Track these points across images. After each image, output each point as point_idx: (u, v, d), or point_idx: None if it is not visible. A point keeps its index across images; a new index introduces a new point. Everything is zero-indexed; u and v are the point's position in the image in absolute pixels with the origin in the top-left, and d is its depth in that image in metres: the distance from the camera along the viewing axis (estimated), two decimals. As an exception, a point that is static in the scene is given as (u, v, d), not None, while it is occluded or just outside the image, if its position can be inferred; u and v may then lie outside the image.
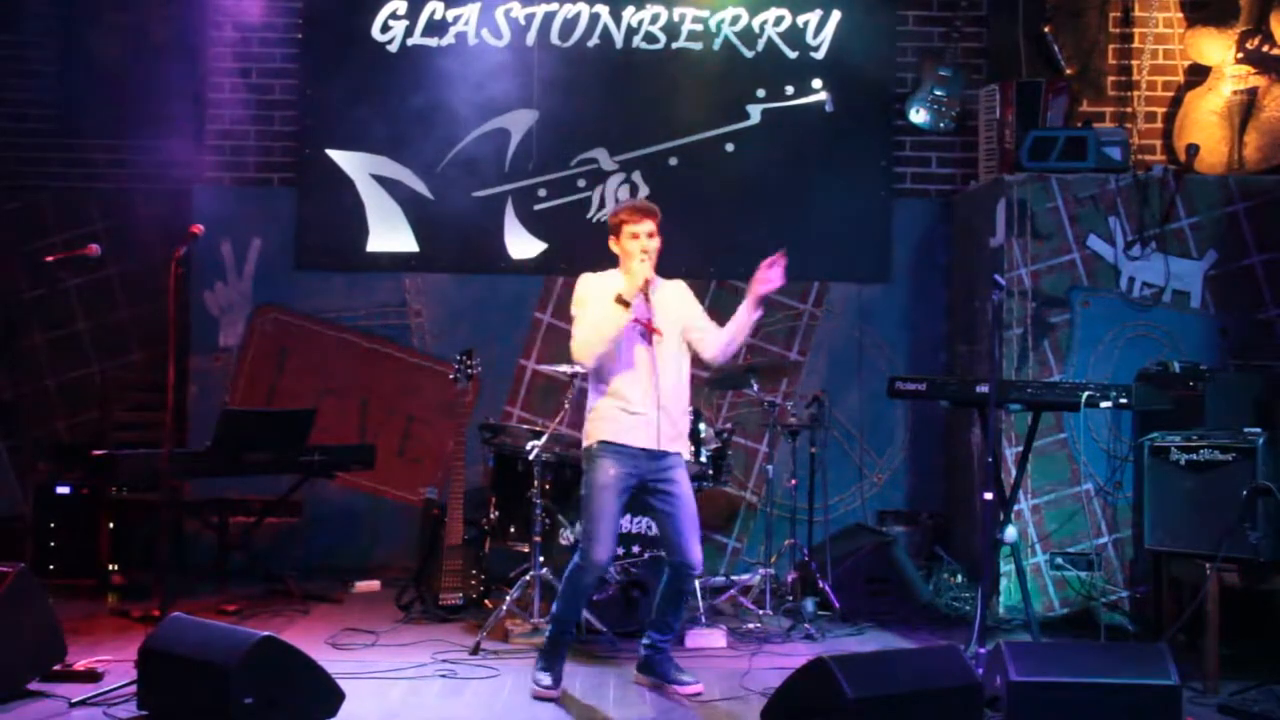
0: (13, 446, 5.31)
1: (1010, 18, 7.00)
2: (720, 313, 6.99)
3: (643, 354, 4.59)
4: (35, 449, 6.84)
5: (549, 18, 7.10)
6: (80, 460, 6.28)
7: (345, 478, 6.74)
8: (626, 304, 4.49)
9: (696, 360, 4.83)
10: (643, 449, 4.55)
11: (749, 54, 7.13)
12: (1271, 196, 6.21)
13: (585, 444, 4.65)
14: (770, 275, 4.61)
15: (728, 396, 7.06)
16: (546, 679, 4.61)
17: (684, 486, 4.61)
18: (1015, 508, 5.61)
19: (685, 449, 4.71)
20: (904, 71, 7.18)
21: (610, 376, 4.61)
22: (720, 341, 4.72)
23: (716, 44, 7.12)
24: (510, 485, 5.81)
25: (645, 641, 4.78)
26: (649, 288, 4.56)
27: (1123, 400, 4.90)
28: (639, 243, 4.61)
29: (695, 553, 4.60)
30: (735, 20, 7.11)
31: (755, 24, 7.12)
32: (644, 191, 7.07)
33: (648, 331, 4.59)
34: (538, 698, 4.55)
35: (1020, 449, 5.45)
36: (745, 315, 4.64)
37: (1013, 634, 5.68)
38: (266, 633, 4.08)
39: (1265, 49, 6.64)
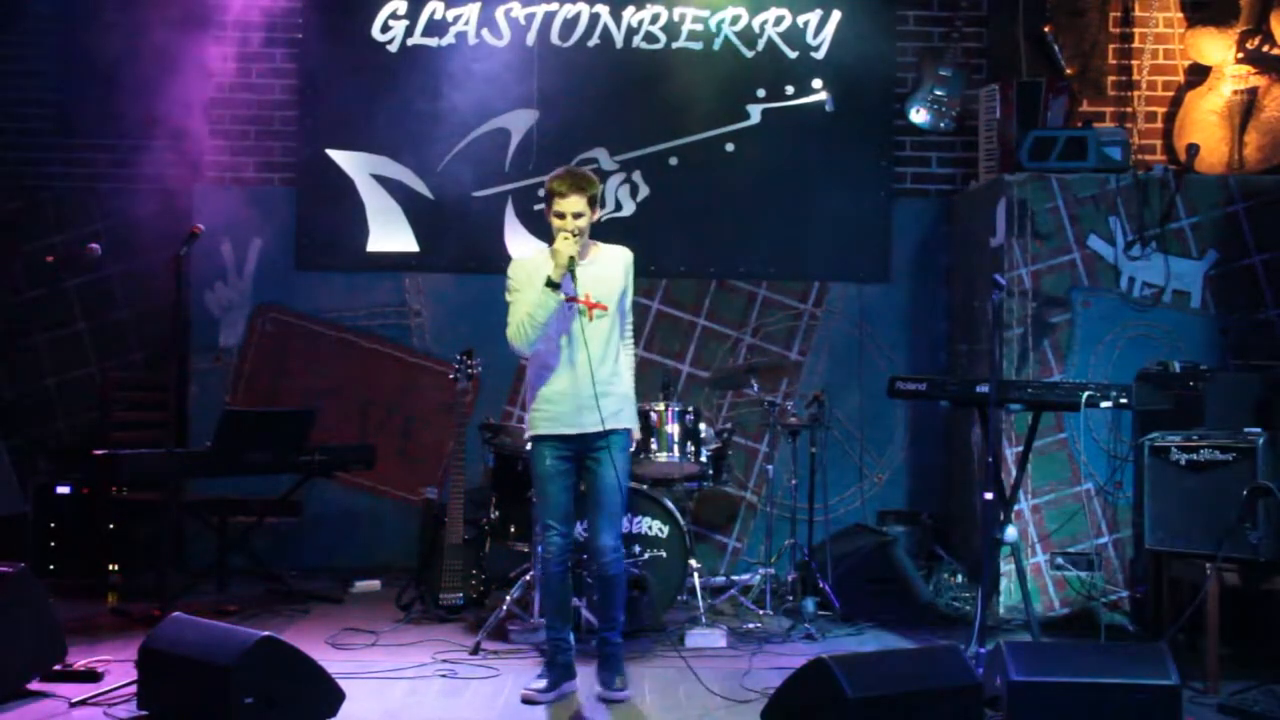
0: (13, 446, 5.29)
1: (1010, 18, 7.00)
2: (720, 313, 7.08)
3: (576, 333, 4.47)
4: (35, 449, 6.84)
5: (549, 18, 7.10)
6: (80, 460, 6.28)
7: (345, 478, 6.74)
8: (555, 286, 4.35)
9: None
10: (579, 434, 4.50)
11: (749, 54, 7.12)
12: (1271, 196, 6.21)
13: (527, 433, 4.62)
14: None
15: (728, 396, 7.06)
16: (541, 683, 4.57)
17: (608, 465, 4.50)
18: (1015, 508, 5.60)
19: (628, 423, 4.61)
20: (904, 71, 7.18)
21: (545, 360, 4.54)
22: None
23: (716, 44, 7.12)
24: (510, 485, 5.81)
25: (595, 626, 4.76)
26: (573, 264, 4.40)
27: (1123, 400, 4.90)
28: (565, 223, 4.46)
29: (603, 535, 4.52)
30: (735, 20, 7.11)
31: (755, 24, 7.11)
32: (644, 192, 7.07)
33: (587, 309, 4.47)
34: (524, 700, 4.52)
35: (1020, 449, 5.45)
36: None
37: (1013, 634, 5.68)
38: (266, 633, 4.08)
39: (1265, 49, 6.64)
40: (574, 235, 4.43)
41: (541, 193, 4.54)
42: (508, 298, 4.55)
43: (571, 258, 4.39)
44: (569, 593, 4.77)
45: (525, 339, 4.45)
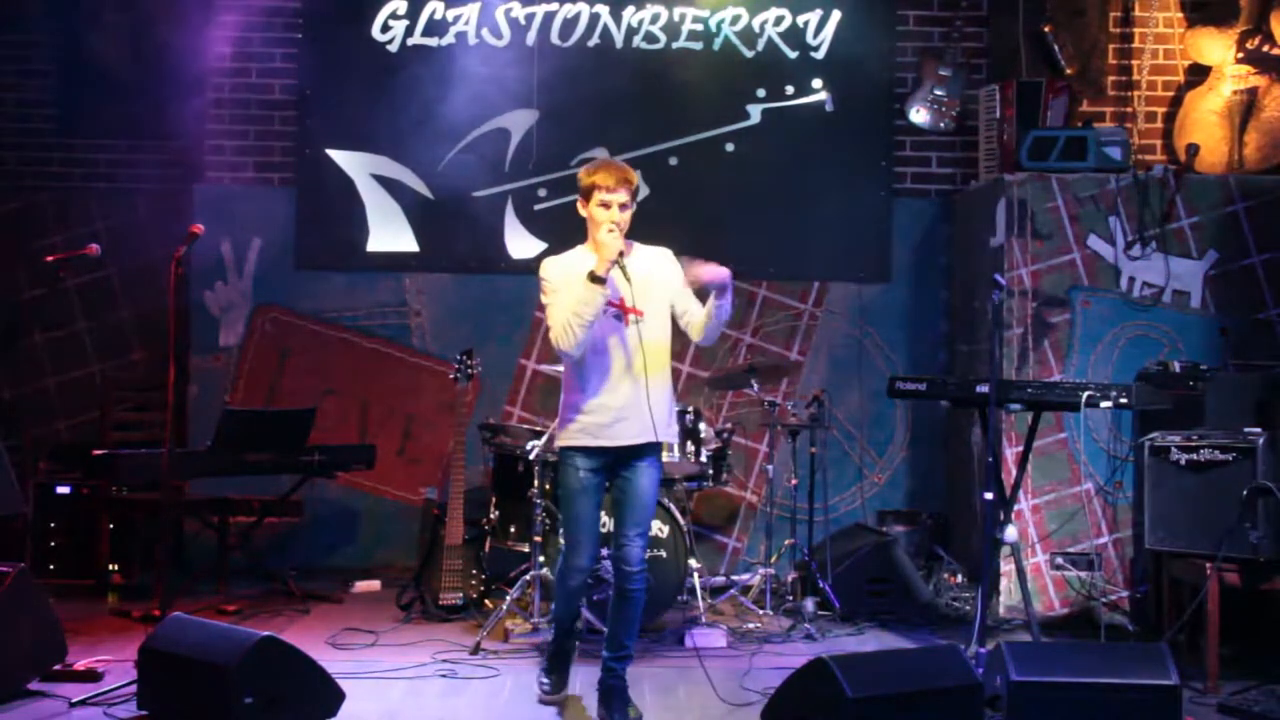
0: (13, 446, 5.30)
1: (1010, 18, 7.00)
2: (720, 313, 7.07)
3: (618, 340, 4.20)
4: (35, 449, 6.84)
5: (549, 17, 7.10)
6: (80, 460, 6.28)
7: (345, 478, 6.74)
8: (601, 280, 4.07)
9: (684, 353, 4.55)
10: (618, 448, 4.24)
11: (749, 54, 7.12)
12: (1272, 196, 6.21)
13: (557, 441, 4.35)
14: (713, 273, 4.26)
15: (728, 396, 7.06)
16: (549, 682, 4.55)
17: (644, 474, 4.25)
18: (1015, 508, 5.60)
19: (670, 436, 4.35)
20: (904, 71, 7.17)
21: (584, 367, 4.23)
22: (703, 326, 4.32)
23: (716, 44, 7.12)
24: (510, 485, 5.81)
25: (603, 655, 4.36)
26: (623, 259, 4.11)
27: (1123, 400, 4.90)
28: (609, 214, 4.15)
29: (633, 545, 4.23)
30: (735, 20, 7.10)
31: (755, 24, 7.11)
32: (644, 192, 7.04)
33: (623, 313, 4.19)
34: (542, 701, 4.52)
35: (1020, 449, 5.45)
36: (712, 304, 4.26)
37: (1013, 634, 5.68)
38: (266, 633, 4.08)
39: (1265, 49, 6.64)
40: (618, 228, 4.14)
41: (580, 186, 4.24)
42: (544, 299, 4.25)
43: (621, 252, 4.11)
44: (579, 611, 4.58)
45: (573, 339, 4.10)
